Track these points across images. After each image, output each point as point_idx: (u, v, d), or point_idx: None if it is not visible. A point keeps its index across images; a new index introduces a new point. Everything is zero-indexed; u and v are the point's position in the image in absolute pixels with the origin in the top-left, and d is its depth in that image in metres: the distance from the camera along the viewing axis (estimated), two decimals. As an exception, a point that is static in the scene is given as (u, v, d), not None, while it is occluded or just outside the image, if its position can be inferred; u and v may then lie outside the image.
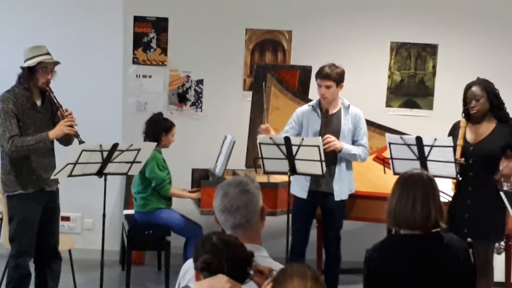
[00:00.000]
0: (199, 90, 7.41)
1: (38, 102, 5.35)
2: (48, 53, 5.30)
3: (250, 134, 6.62)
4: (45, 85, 5.27)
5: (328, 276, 6.11)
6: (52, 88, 5.31)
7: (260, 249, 2.94)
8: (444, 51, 7.37)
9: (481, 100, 5.19)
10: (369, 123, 6.07)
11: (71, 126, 5.26)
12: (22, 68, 5.28)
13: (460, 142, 5.14)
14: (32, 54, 5.26)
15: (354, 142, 5.82)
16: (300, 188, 5.88)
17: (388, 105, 7.44)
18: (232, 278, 2.50)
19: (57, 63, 5.31)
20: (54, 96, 5.30)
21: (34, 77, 5.25)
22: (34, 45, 5.32)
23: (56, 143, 5.47)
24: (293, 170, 5.57)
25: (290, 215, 5.83)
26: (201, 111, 7.44)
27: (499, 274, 6.03)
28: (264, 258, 2.95)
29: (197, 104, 7.43)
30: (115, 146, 5.15)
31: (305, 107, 5.97)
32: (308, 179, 5.82)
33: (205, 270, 2.52)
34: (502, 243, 6.06)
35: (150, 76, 7.39)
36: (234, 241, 2.60)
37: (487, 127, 5.24)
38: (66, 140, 5.47)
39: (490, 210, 5.14)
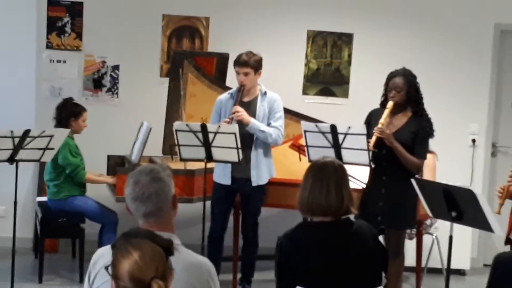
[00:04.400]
0: (115, 76, 7.31)
1: None
2: None
3: (167, 121, 6.58)
4: None
5: (245, 262, 6.14)
6: None
7: (172, 237, 2.93)
8: (359, 40, 7.47)
9: (402, 92, 5.26)
10: (286, 111, 6.12)
11: None
12: None
13: (383, 121, 5.17)
14: None
15: (269, 125, 5.84)
16: (223, 175, 5.89)
17: (304, 93, 7.50)
18: None
19: None
20: None
21: None
22: None
23: None
24: (209, 157, 5.58)
25: (207, 202, 5.83)
26: (117, 97, 7.34)
27: (410, 259, 6.17)
28: (177, 246, 2.94)
29: (113, 90, 7.33)
30: (26, 132, 5.06)
31: (224, 95, 5.98)
32: (230, 165, 5.83)
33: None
34: (414, 229, 6.20)
35: (64, 61, 7.24)
36: (152, 231, 2.57)
37: (401, 119, 5.32)
38: None
39: (404, 198, 5.23)
